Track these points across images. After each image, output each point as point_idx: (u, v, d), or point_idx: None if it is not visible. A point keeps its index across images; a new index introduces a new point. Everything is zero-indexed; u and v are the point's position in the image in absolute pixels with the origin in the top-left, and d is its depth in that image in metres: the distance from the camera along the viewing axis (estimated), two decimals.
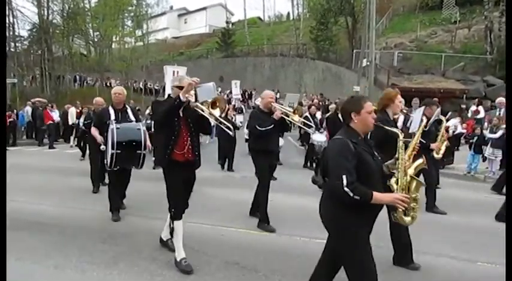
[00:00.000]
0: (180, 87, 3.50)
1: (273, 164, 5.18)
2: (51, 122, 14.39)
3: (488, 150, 8.62)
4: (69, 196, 6.41)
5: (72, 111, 14.34)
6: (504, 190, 6.42)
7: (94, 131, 5.26)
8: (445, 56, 20.31)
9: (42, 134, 14.87)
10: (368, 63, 16.55)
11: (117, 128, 4.54)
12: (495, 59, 18.51)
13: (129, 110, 5.17)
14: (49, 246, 4.10)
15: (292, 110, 4.86)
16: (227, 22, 38.38)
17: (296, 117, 4.94)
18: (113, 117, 4.93)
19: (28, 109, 16.19)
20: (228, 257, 3.84)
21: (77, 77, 29.89)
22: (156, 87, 28.60)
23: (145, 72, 31.38)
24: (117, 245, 4.15)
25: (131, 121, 5.05)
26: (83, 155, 10.51)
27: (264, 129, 4.62)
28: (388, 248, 4.28)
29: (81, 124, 10.21)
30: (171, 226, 3.67)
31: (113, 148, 4.49)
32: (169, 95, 3.87)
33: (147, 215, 5.14)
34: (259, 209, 4.90)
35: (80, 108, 12.75)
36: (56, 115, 15.11)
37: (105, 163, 4.87)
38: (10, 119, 13.88)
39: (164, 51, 37.71)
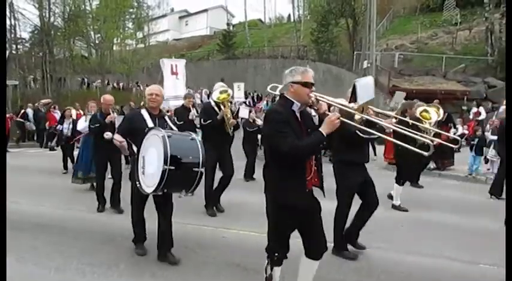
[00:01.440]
0: (305, 84, 2.60)
1: (368, 178, 4.04)
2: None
3: (490, 152, 8.60)
4: (69, 197, 6.42)
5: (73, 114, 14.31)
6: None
7: (119, 138, 3.86)
8: (446, 58, 20.30)
9: (51, 136, 14.76)
10: (369, 65, 16.55)
11: (169, 136, 3.26)
12: (496, 61, 18.51)
13: (166, 117, 4.01)
14: (49, 247, 4.10)
15: (394, 112, 3.82)
16: (228, 24, 38.45)
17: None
18: (150, 124, 3.74)
19: (29, 111, 16.21)
20: (229, 259, 3.83)
21: (85, 79, 29.89)
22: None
23: (146, 74, 31.43)
24: (118, 247, 4.14)
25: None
26: (65, 167, 8.96)
27: (367, 137, 3.60)
28: (386, 249, 4.28)
29: (65, 129, 9.03)
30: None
31: (165, 163, 3.15)
32: (282, 95, 2.79)
33: (147, 217, 5.13)
34: (335, 235, 3.91)
35: (62, 112, 10.34)
36: (58, 116, 15.10)
37: (138, 184, 3.50)
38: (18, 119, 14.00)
39: (165, 53, 37.71)
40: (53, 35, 25.31)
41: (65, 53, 28.03)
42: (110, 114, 5.51)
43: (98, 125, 5.49)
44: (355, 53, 22.63)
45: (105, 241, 4.32)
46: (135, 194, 3.80)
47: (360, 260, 3.94)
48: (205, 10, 47.45)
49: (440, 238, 4.73)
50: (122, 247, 4.14)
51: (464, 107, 15.41)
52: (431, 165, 9.33)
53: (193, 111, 6.47)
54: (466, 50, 21.24)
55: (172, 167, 3.18)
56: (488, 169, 8.77)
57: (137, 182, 3.49)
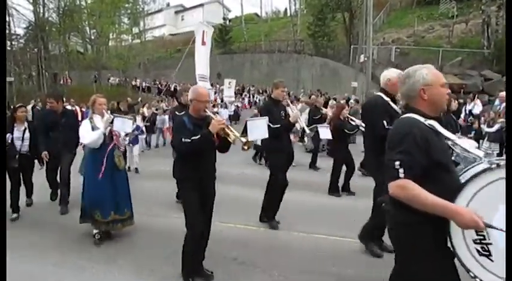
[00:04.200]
0: None
1: None
2: None
3: (485, 144, 8.65)
4: None
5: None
6: None
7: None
8: (443, 51, 20.32)
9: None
10: (365, 58, 16.55)
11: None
12: (492, 54, 18.54)
13: None
14: (48, 243, 4.11)
15: None
16: (224, 19, 38.24)
17: None
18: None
19: (28, 108, 16.10)
20: (227, 253, 3.86)
21: (97, 76, 29.47)
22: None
23: (143, 69, 31.32)
24: (116, 243, 4.16)
25: None
26: (16, 209, 5.02)
27: None
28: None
29: (17, 141, 5.04)
30: None
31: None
32: None
33: (146, 213, 5.14)
34: None
35: (11, 113, 5.26)
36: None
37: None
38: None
39: (161, 49, 37.57)
40: (48, 30, 25.15)
41: (60, 49, 27.87)
42: (207, 118, 3.10)
43: (197, 137, 2.94)
44: (352, 47, 22.63)
45: (104, 237, 4.33)
46: None
47: (356, 254, 3.97)
48: (201, 5, 47.09)
49: None
50: (121, 243, 4.16)
51: (461, 100, 15.44)
52: None
53: (296, 111, 4.59)
54: (462, 43, 21.25)
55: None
56: None
57: (471, 274, 1.81)
